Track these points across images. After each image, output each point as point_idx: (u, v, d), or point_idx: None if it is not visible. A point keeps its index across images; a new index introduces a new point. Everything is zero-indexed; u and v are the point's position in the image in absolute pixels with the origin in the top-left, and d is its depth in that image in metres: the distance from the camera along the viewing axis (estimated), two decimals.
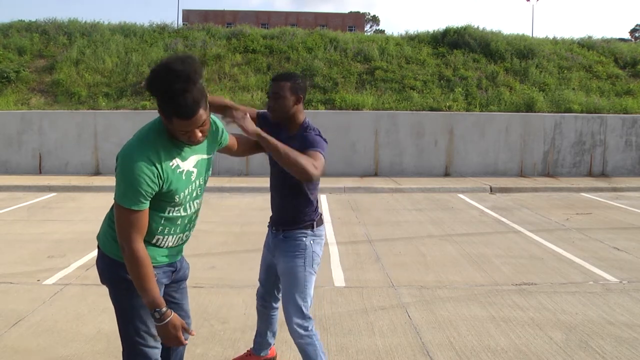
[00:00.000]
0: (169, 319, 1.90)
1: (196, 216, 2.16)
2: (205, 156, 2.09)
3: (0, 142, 11.71)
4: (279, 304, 2.97)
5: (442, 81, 14.06)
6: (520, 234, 6.78)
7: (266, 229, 2.85)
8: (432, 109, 12.82)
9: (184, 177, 1.98)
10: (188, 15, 50.37)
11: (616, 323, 3.87)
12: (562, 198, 9.74)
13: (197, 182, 2.05)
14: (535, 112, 12.87)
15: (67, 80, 13.36)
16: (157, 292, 1.89)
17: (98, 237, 2.13)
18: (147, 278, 1.87)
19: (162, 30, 16.12)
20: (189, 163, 2.00)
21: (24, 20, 16.22)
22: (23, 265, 5.24)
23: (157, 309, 1.88)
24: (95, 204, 8.38)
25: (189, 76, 1.77)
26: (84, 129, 11.75)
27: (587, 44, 16.46)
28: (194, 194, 2.05)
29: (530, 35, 19.23)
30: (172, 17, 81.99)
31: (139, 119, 11.72)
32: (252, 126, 2.30)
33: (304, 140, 2.48)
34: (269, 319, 3.02)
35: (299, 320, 2.57)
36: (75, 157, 11.75)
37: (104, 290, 2.14)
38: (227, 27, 18.70)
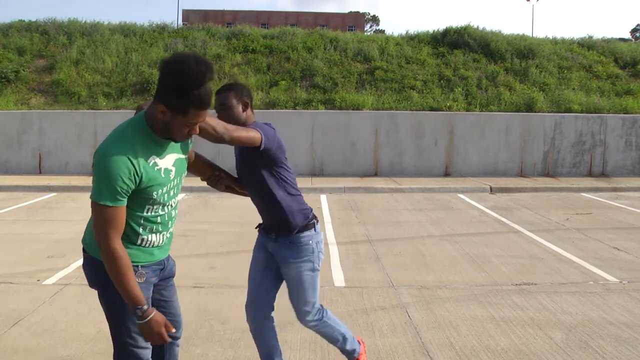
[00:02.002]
0: (151, 316, 1.89)
1: (175, 213, 2.16)
2: (182, 156, 2.11)
3: (0, 142, 11.72)
4: (273, 313, 2.81)
5: (442, 81, 14.06)
6: (520, 234, 6.78)
7: None
8: (432, 109, 12.82)
9: (162, 175, 1.99)
10: (188, 15, 50.35)
11: (616, 323, 3.86)
12: (562, 198, 9.73)
13: (175, 181, 2.07)
14: (535, 112, 12.87)
15: (67, 80, 13.36)
16: (138, 290, 1.88)
17: (84, 241, 2.12)
18: (127, 276, 1.86)
19: (162, 30, 16.12)
20: (167, 161, 2.01)
21: (24, 20, 16.22)
22: (23, 265, 5.25)
23: (139, 307, 1.87)
24: None
25: (214, 68, 1.86)
26: (83, 129, 11.76)
27: (587, 44, 16.46)
28: (172, 193, 2.06)
29: (530, 35, 19.24)
30: (172, 17, 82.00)
31: None
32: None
33: None
34: (269, 336, 2.78)
35: (310, 318, 2.75)
36: (75, 157, 11.75)
37: None
38: (227, 27, 18.69)
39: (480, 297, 4.43)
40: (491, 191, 10.36)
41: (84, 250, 2.11)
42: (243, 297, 4.54)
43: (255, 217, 2.72)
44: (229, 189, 2.63)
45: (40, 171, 11.72)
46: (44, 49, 14.56)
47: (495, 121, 12.24)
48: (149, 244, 2.05)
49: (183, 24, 29.87)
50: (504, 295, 4.47)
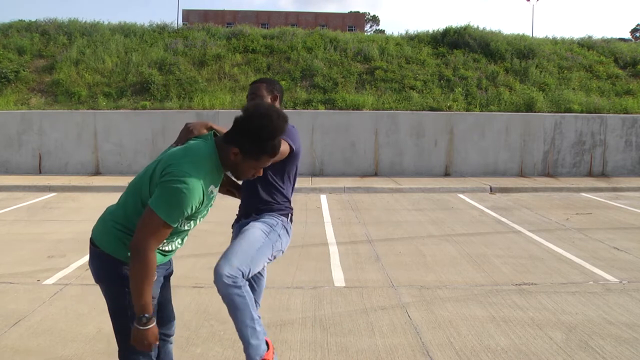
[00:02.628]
0: (152, 325, 1.96)
1: None
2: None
3: (0, 142, 11.72)
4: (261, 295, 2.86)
5: (442, 81, 14.06)
6: (520, 234, 6.78)
7: None
8: (432, 109, 12.82)
9: (210, 201, 2.11)
10: (188, 15, 50.36)
11: (616, 323, 3.86)
12: (562, 198, 9.74)
13: (211, 203, 2.17)
14: (535, 112, 12.87)
15: (67, 80, 13.35)
16: (150, 298, 1.95)
17: (95, 235, 2.11)
18: (149, 284, 1.94)
19: (162, 30, 16.11)
20: (217, 188, 2.14)
21: (24, 20, 16.21)
22: (23, 265, 5.24)
23: (147, 314, 1.93)
24: (95, 204, 8.37)
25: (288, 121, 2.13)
26: (84, 129, 11.76)
27: (587, 44, 16.46)
28: (205, 213, 2.16)
29: (530, 35, 19.24)
30: (172, 17, 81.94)
31: (138, 119, 11.74)
32: None
33: None
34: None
35: (228, 272, 2.36)
36: (75, 157, 11.75)
37: None
38: (227, 27, 18.69)
39: (480, 297, 4.43)
40: (491, 191, 10.37)
41: (93, 244, 2.10)
42: None
43: None
44: (229, 192, 2.70)
45: (40, 171, 11.72)
46: (44, 49, 14.55)
47: (495, 121, 12.24)
48: (167, 250, 2.13)
49: (183, 24, 29.89)
50: (504, 295, 4.48)
